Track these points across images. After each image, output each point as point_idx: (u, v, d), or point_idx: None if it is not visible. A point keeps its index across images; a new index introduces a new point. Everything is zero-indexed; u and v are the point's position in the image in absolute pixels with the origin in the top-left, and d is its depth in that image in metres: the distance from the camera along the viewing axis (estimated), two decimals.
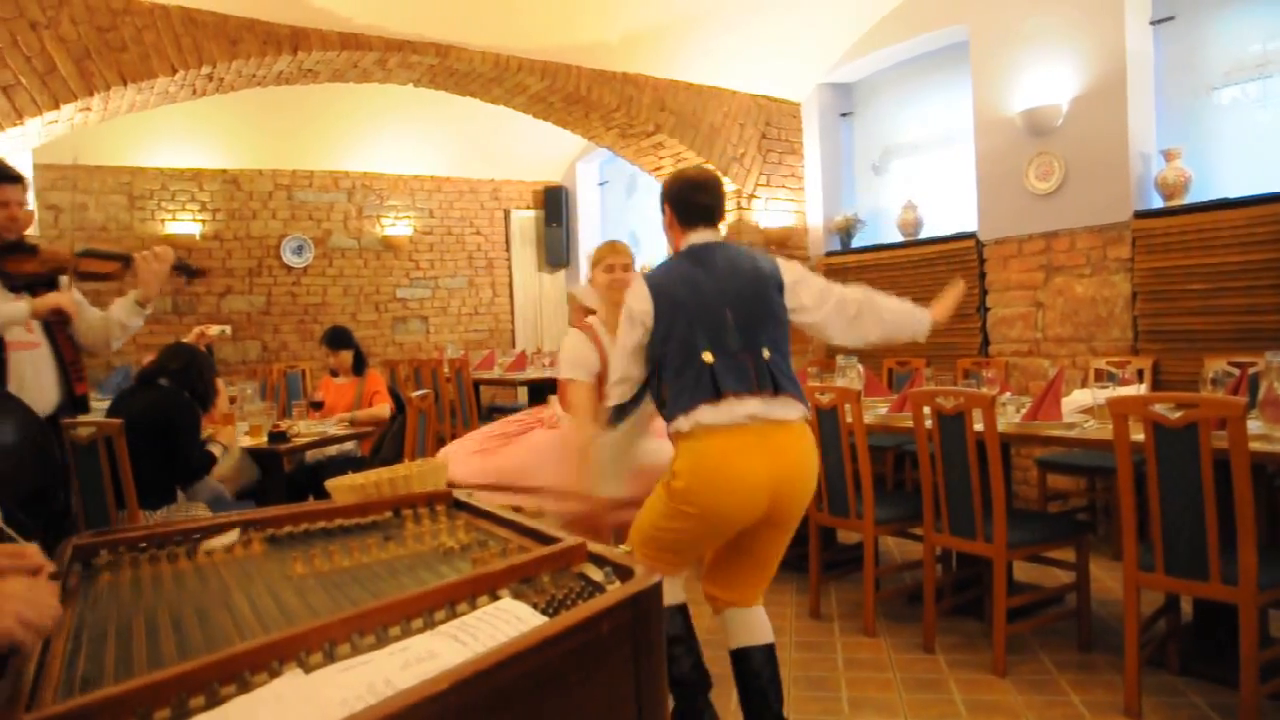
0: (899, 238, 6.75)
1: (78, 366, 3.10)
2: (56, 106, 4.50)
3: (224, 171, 8.44)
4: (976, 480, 3.24)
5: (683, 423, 2.48)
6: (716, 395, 2.45)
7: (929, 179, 6.81)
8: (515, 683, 1.04)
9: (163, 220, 8.17)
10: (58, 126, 4.84)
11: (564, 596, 1.24)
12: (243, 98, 6.17)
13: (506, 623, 1.16)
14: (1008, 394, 4.14)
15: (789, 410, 2.51)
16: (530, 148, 9.24)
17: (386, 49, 5.57)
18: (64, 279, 3.15)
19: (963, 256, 6.08)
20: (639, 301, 2.61)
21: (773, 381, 2.50)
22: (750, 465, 2.43)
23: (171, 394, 3.77)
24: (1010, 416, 3.65)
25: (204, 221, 8.36)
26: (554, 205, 9.79)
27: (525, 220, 9.99)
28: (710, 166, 6.90)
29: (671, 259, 2.71)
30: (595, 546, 1.38)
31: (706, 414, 2.45)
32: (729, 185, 6.95)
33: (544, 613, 1.19)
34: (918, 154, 6.93)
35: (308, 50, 5.26)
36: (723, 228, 2.84)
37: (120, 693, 0.98)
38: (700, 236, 2.69)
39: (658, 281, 2.62)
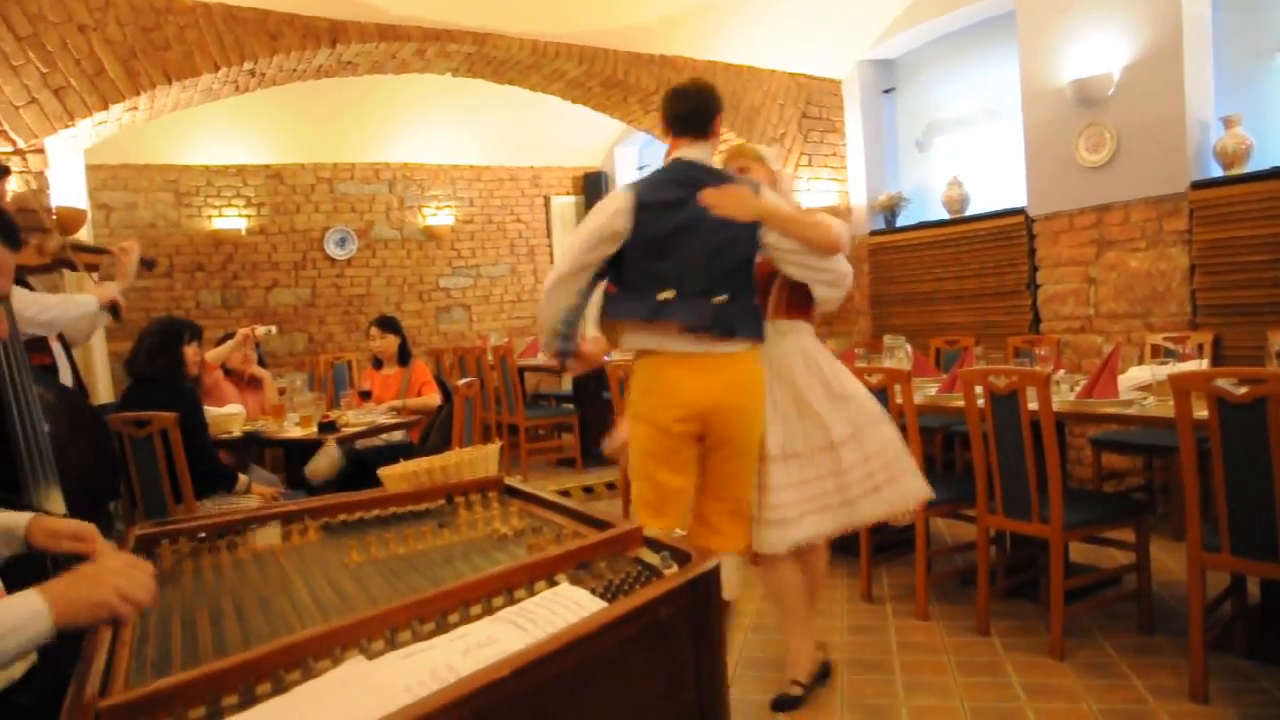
0: (945, 215, 6.64)
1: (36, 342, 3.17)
2: (105, 107, 4.58)
3: (267, 166, 8.53)
4: (1031, 460, 3.18)
5: (630, 341, 2.75)
6: (659, 321, 2.66)
7: (974, 154, 6.68)
8: (575, 668, 1.03)
9: (209, 216, 8.29)
10: (107, 127, 4.92)
11: (621, 581, 1.23)
12: (284, 92, 6.23)
13: (565, 608, 1.16)
14: (1061, 371, 4.05)
15: (734, 346, 2.69)
16: (569, 133, 9.23)
17: (424, 39, 5.58)
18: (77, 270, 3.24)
19: (1011, 233, 5.96)
20: (619, 219, 2.67)
21: (728, 328, 2.65)
22: (681, 378, 2.66)
23: (175, 397, 3.73)
24: (1064, 395, 3.57)
25: (249, 216, 8.47)
26: (594, 190, 9.77)
27: (565, 206, 9.99)
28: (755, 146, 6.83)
29: (661, 171, 2.78)
30: (651, 531, 1.36)
31: (647, 340, 2.70)
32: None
33: (601, 597, 1.18)
34: (962, 129, 6.80)
35: (346, 42, 5.29)
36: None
37: (189, 679, 0.99)
38: (691, 150, 2.77)
39: (644, 203, 2.67)
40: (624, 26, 6.10)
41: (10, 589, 1.22)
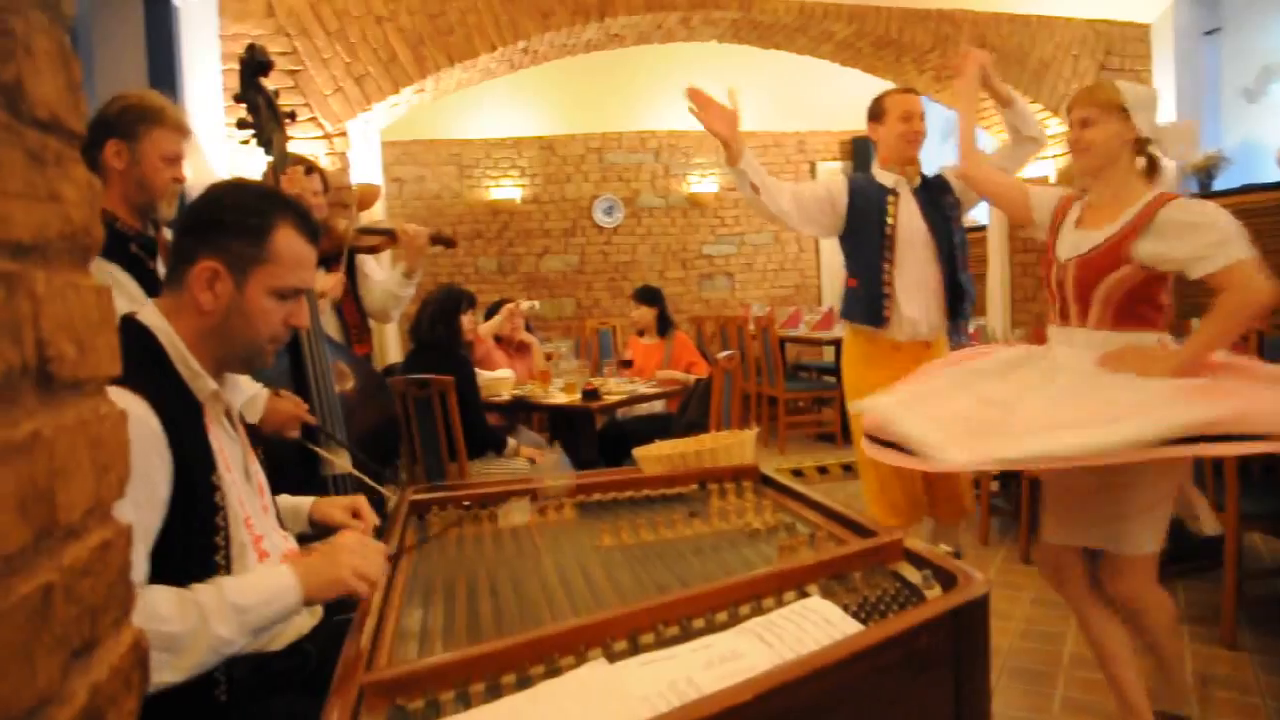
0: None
1: (360, 330, 3.33)
2: (397, 90, 4.96)
3: (540, 138, 8.93)
4: None
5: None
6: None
7: None
8: (820, 696, 0.96)
9: (487, 187, 8.81)
10: (399, 109, 5.33)
11: (877, 600, 1.13)
12: (555, 67, 6.45)
13: (815, 625, 1.08)
14: None
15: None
16: (836, 96, 8.92)
17: (690, 7, 5.56)
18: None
19: None
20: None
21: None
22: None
23: (452, 362, 3.92)
24: None
25: (523, 186, 8.92)
26: (862, 155, 9.42)
27: (832, 172, 9.71)
28: (1038, 107, 6.28)
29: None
30: (915, 544, 1.25)
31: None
32: (1059, 127, 6.28)
33: (854, 615, 1.09)
34: None
35: (614, 16, 5.37)
36: None
37: (443, 664, 1.02)
38: None
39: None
40: None
41: None
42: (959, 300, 2.96)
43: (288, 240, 1.46)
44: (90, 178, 0.64)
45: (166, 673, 1.19)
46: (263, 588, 1.29)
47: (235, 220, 1.43)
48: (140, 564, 1.24)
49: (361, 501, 1.80)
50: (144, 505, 1.26)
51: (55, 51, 0.58)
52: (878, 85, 8.00)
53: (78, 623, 0.59)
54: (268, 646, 1.47)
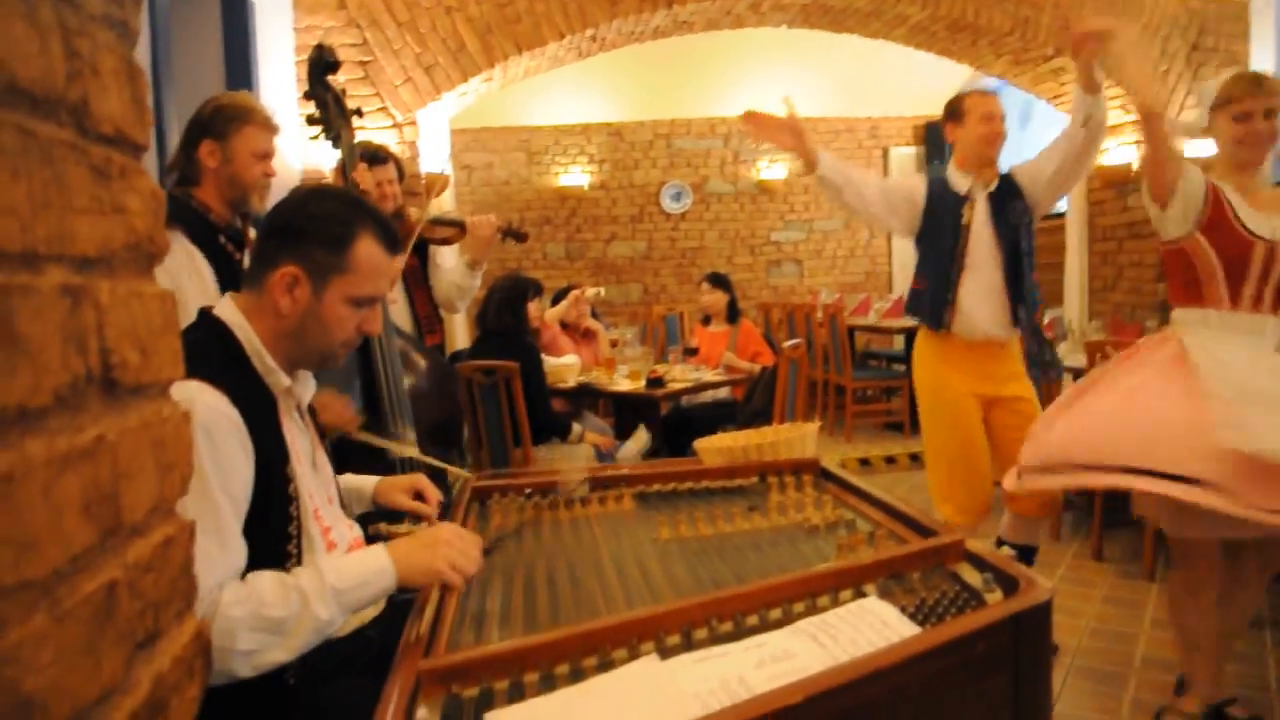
0: None
1: (431, 320, 3.37)
2: (465, 79, 5.01)
3: (609, 124, 8.93)
4: None
5: None
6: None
7: None
8: (874, 701, 0.95)
9: (556, 174, 8.86)
10: (467, 98, 5.38)
11: (935, 602, 1.12)
12: (624, 53, 6.44)
13: (870, 626, 1.07)
14: None
15: None
16: (910, 81, 8.73)
17: None
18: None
19: None
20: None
21: None
22: None
23: (518, 349, 3.95)
24: None
25: (591, 172, 8.94)
26: (936, 140, 9.22)
27: (905, 157, 9.53)
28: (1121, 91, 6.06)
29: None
30: (976, 546, 1.22)
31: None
32: None
33: (911, 618, 1.08)
34: None
35: (682, 3, 5.34)
36: None
37: (499, 653, 1.05)
38: None
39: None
40: None
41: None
42: (1020, 305, 2.91)
43: (368, 250, 1.48)
44: (154, 187, 0.66)
45: (278, 653, 1.24)
46: (360, 570, 1.33)
47: (318, 228, 1.46)
48: (241, 548, 1.30)
49: (423, 481, 1.84)
50: (237, 493, 1.32)
51: (121, 68, 0.61)
52: (953, 69, 7.84)
53: (141, 616, 0.61)
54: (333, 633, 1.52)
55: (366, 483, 1.85)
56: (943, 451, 2.99)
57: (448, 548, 1.36)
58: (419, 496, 1.82)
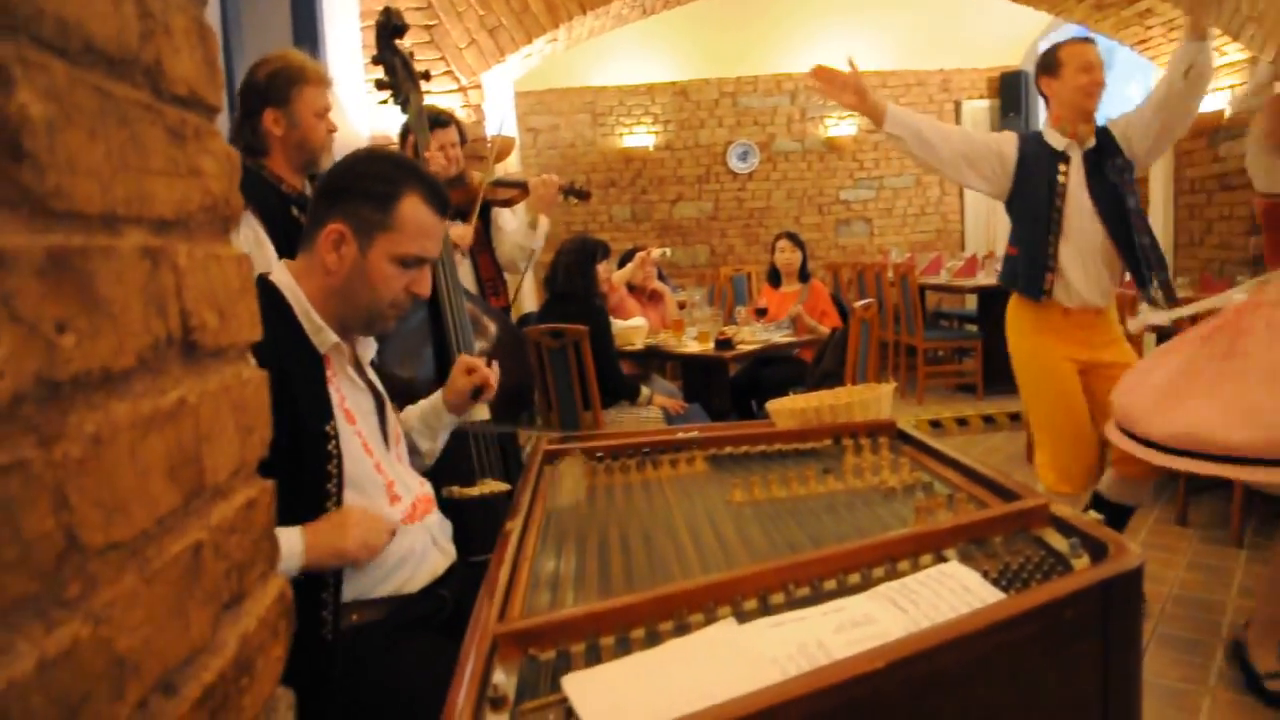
0: None
1: (495, 283, 3.37)
2: (530, 40, 4.99)
3: (674, 84, 8.83)
4: None
5: None
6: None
7: None
8: (957, 669, 0.92)
9: (621, 135, 8.80)
10: (532, 59, 5.36)
11: (1019, 567, 1.08)
12: (688, 11, 6.34)
13: (952, 591, 1.04)
14: None
15: None
16: (983, 31, 8.44)
17: None
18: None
19: None
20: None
21: None
22: None
23: (587, 312, 3.95)
24: None
25: (656, 133, 8.86)
26: (1011, 92, 8.91)
27: (978, 111, 9.23)
28: (1216, 31, 5.76)
29: None
30: (1061, 509, 1.18)
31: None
32: (1238, 53, 5.75)
33: (994, 583, 1.04)
34: None
35: None
36: None
37: (575, 616, 1.04)
38: None
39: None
40: None
41: None
42: (1141, 266, 2.75)
43: (414, 209, 1.50)
44: (229, 149, 0.66)
45: None
46: None
47: (364, 186, 1.49)
48: None
49: (470, 360, 1.86)
50: None
51: (192, 28, 0.60)
52: (1028, 18, 7.56)
53: (226, 577, 0.62)
54: (403, 589, 1.54)
55: (435, 400, 1.89)
56: (1049, 423, 2.88)
57: (358, 527, 1.40)
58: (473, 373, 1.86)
